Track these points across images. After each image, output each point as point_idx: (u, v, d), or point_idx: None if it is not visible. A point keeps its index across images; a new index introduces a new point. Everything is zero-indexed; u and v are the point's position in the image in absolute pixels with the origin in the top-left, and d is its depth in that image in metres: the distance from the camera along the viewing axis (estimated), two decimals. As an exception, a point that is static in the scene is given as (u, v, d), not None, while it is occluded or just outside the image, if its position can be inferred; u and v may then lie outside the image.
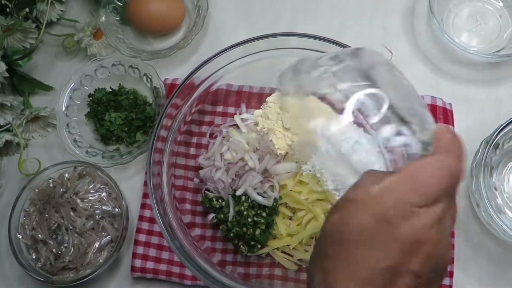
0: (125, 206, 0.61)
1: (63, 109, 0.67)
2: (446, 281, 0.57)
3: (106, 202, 0.62)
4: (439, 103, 0.63)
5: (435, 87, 0.66)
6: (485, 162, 0.52)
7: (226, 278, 0.51)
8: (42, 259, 0.61)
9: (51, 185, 0.63)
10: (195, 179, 0.63)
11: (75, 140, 0.66)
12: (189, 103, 0.61)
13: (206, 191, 0.61)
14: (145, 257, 0.62)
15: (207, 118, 0.65)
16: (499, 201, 0.53)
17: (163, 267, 0.61)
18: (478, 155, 0.55)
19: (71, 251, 0.60)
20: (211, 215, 0.60)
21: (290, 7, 0.72)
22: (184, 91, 0.59)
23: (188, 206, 0.62)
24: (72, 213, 0.61)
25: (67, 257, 0.60)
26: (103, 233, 0.61)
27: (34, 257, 0.61)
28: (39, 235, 0.61)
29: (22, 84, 0.70)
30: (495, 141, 0.53)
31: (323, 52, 0.59)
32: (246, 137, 0.60)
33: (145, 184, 0.65)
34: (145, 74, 0.66)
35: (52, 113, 0.68)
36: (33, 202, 0.63)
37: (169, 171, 0.59)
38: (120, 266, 0.64)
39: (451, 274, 0.57)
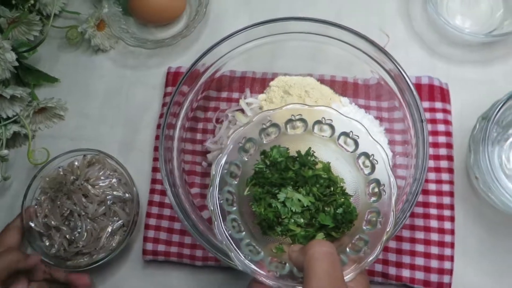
0: (135, 191, 0.62)
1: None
2: (447, 252, 0.59)
3: (116, 188, 0.64)
4: (436, 83, 0.65)
5: (432, 69, 0.68)
6: (483, 136, 0.55)
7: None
8: (56, 245, 0.62)
9: (62, 173, 0.65)
10: (204, 163, 0.64)
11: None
12: (195, 90, 0.62)
13: (214, 174, 0.63)
14: (156, 241, 0.63)
15: (212, 104, 0.67)
16: (497, 172, 0.55)
17: (174, 249, 0.63)
18: (476, 130, 0.58)
19: (85, 236, 0.62)
20: (220, 197, 0.62)
21: (289, -7, 0.74)
22: (190, 78, 0.61)
23: (197, 190, 0.63)
24: (84, 200, 0.62)
25: (80, 242, 0.61)
26: (114, 218, 0.63)
27: (47, 243, 0.63)
28: (52, 222, 0.62)
29: (28, 76, 0.71)
30: (493, 117, 0.55)
31: (323, 36, 0.61)
32: (251, 121, 0.61)
33: (153, 170, 0.66)
34: None
35: (59, 104, 0.69)
36: (44, 191, 0.65)
37: (179, 157, 0.61)
38: (132, 250, 0.66)
39: (452, 245, 0.59)
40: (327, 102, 0.63)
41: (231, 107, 0.66)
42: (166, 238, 0.64)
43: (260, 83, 0.67)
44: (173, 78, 0.69)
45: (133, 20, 0.73)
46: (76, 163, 0.65)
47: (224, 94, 0.67)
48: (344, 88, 0.66)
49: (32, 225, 0.63)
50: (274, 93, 0.64)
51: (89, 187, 0.63)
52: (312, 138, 0.47)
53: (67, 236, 0.62)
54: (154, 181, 0.66)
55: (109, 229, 0.62)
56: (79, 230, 0.62)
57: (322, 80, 0.66)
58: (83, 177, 0.63)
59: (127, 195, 0.64)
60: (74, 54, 0.75)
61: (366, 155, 0.45)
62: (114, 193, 0.63)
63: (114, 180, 0.64)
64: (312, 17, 0.60)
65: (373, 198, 0.44)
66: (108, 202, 0.63)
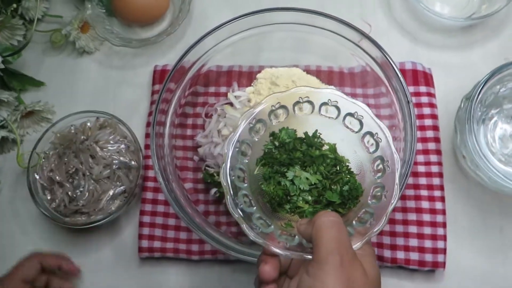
0: (142, 160, 0.64)
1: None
2: (440, 231, 0.60)
3: (124, 154, 0.65)
4: (419, 68, 0.66)
5: (414, 55, 0.70)
6: (468, 116, 0.56)
7: (238, 245, 0.54)
8: (57, 200, 0.63)
9: (73, 131, 0.66)
10: (195, 157, 0.65)
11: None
12: (182, 86, 0.62)
13: (206, 168, 0.63)
14: (151, 238, 0.64)
15: (201, 99, 0.67)
16: (484, 150, 0.56)
17: (169, 245, 0.63)
18: (460, 111, 0.59)
19: (86, 195, 0.63)
20: (213, 190, 0.62)
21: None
22: (177, 75, 0.61)
23: (190, 185, 0.63)
24: (90, 160, 0.64)
25: (81, 201, 0.62)
26: (117, 182, 0.64)
27: (49, 197, 0.64)
28: (57, 177, 0.64)
29: (13, 81, 0.70)
30: (476, 97, 0.56)
31: (308, 25, 0.62)
32: (241, 112, 0.62)
33: (145, 167, 0.66)
34: None
35: (46, 107, 0.69)
36: (54, 146, 0.66)
37: (171, 153, 0.61)
38: (127, 249, 0.66)
39: (444, 225, 0.60)
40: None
41: (220, 101, 0.67)
42: (161, 234, 0.64)
43: (247, 76, 0.68)
44: (160, 76, 0.70)
45: (117, 20, 0.73)
46: (88, 124, 0.67)
47: (212, 89, 0.67)
48: (330, 77, 0.67)
49: (37, 177, 0.64)
50: (261, 85, 0.65)
51: (98, 149, 0.64)
52: (319, 120, 0.48)
53: (69, 193, 0.63)
54: (146, 178, 0.66)
55: (111, 192, 0.63)
56: (81, 189, 0.63)
57: (308, 71, 0.67)
58: (93, 138, 0.64)
59: (133, 162, 0.64)
60: (59, 58, 0.74)
61: (371, 134, 0.47)
62: (121, 158, 0.64)
63: (122, 146, 0.65)
64: (295, 7, 0.61)
65: (378, 174, 0.46)
66: (114, 166, 0.64)
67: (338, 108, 0.48)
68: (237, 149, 0.46)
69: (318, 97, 0.48)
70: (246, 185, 0.45)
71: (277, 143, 0.47)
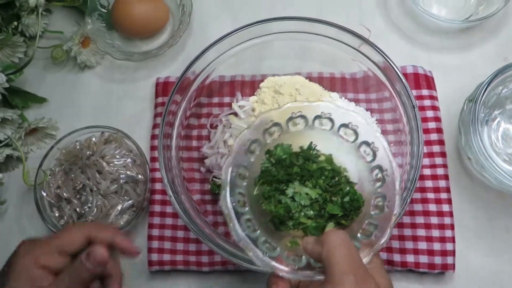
0: (149, 174, 0.64)
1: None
2: (448, 233, 0.60)
3: (130, 168, 0.65)
4: (420, 71, 0.67)
5: (413, 58, 0.70)
6: (472, 117, 0.57)
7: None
8: (65, 217, 0.63)
9: (78, 147, 0.66)
10: (202, 168, 0.65)
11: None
12: (187, 98, 0.62)
13: (214, 179, 0.63)
14: (161, 251, 0.63)
15: (205, 110, 0.67)
16: (489, 151, 0.57)
17: (179, 257, 0.63)
18: (464, 113, 0.60)
19: (94, 211, 0.63)
20: (221, 201, 0.62)
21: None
22: (181, 87, 0.61)
23: (198, 196, 0.64)
24: (97, 175, 0.64)
25: (90, 217, 0.63)
26: (125, 197, 0.64)
27: (57, 214, 0.64)
28: (64, 194, 0.64)
29: (15, 98, 0.70)
30: (480, 98, 0.57)
31: (308, 33, 0.62)
32: (247, 122, 0.62)
33: (152, 180, 0.66)
34: None
35: (50, 124, 0.69)
36: (59, 162, 0.66)
37: (178, 165, 0.61)
38: (136, 263, 0.65)
39: (452, 227, 0.61)
40: (318, 99, 0.65)
41: (224, 112, 0.67)
42: (171, 247, 0.64)
43: (250, 86, 0.68)
44: (162, 88, 0.70)
45: (118, 34, 0.73)
46: (93, 139, 0.67)
47: (216, 100, 0.68)
48: (333, 83, 0.67)
49: (44, 194, 0.64)
50: (265, 94, 0.65)
51: (104, 164, 0.64)
52: (313, 133, 0.48)
53: (77, 209, 0.63)
54: (153, 191, 0.66)
55: (119, 207, 0.63)
56: (90, 205, 0.63)
57: (310, 78, 0.67)
58: (99, 153, 0.64)
59: (140, 176, 0.65)
60: (60, 73, 0.74)
61: (367, 143, 0.47)
62: (128, 172, 0.64)
63: (129, 160, 0.65)
64: (294, 16, 0.62)
65: (378, 184, 0.46)
66: (121, 180, 0.64)
67: (332, 120, 0.48)
68: (234, 174, 0.46)
69: (311, 110, 0.48)
70: (247, 209, 0.45)
71: (273, 160, 0.47)
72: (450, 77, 0.69)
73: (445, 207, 0.61)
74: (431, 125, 0.64)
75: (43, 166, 0.65)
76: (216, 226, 0.63)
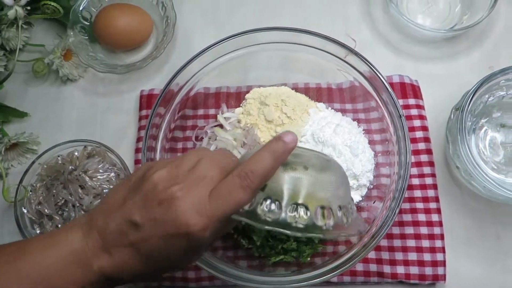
0: None
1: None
2: (438, 244, 0.60)
3: (114, 182, 0.63)
4: (406, 81, 0.67)
5: (400, 67, 0.70)
6: (459, 126, 0.56)
7: (235, 269, 0.53)
8: None
9: (60, 162, 0.64)
10: (187, 182, 0.63)
11: None
12: (171, 110, 0.62)
13: (200, 192, 0.62)
14: (146, 267, 0.62)
15: (190, 123, 0.66)
16: (477, 159, 0.56)
17: (165, 274, 0.62)
18: (451, 121, 0.59)
19: None
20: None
21: (255, 7, 0.75)
22: (165, 99, 0.60)
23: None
24: (80, 191, 0.62)
25: None
26: None
27: (38, 231, 0.62)
28: (46, 210, 0.62)
29: (-5, 113, 0.69)
30: (467, 107, 0.56)
31: (294, 44, 0.62)
32: (232, 134, 0.61)
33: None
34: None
35: (31, 138, 0.67)
36: (41, 178, 0.64)
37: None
38: (121, 280, 0.64)
39: (442, 237, 0.60)
40: (304, 109, 0.64)
41: (209, 124, 0.66)
42: (156, 263, 0.62)
43: (235, 97, 0.67)
44: (147, 101, 0.69)
45: (100, 47, 0.72)
46: (76, 153, 0.65)
47: (201, 112, 0.67)
48: (319, 94, 0.67)
49: (25, 211, 0.62)
50: (250, 105, 0.64)
51: (87, 178, 0.62)
52: None
53: (59, 225, 0.61)
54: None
55: None
56: None
57: (296, 88, 0.67)
58: (81, 168, 0.63)
59: None
60: (42, 87, 0.73)
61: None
62: (111, 187, 0.62)
63: (112, 174, 0.63)
64: (279, 26, 0.61)
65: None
66: (104, 195, 0.61)
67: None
68: None
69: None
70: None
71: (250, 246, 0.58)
72: (436, 86, 0.69)
73: (435, 217, 0.61)
74: (419, 134, 0.64)
75: (24, 182, 0.63)
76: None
